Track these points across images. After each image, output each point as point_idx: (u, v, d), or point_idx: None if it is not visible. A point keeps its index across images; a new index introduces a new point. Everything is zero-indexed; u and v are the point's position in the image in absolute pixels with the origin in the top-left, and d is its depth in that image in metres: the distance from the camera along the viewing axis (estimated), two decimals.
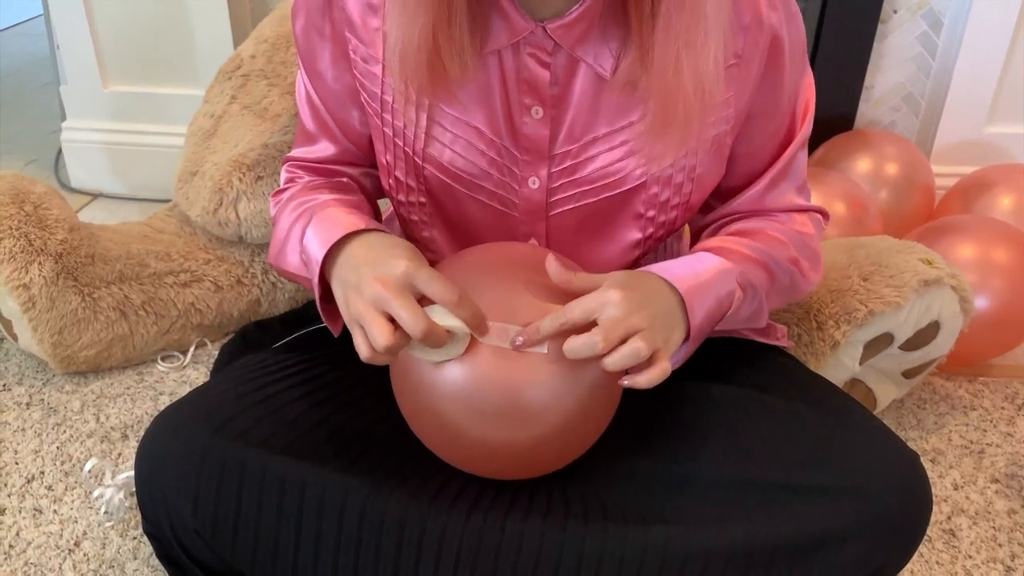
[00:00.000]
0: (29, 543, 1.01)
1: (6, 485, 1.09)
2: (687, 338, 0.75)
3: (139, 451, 0.76)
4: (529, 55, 0.75)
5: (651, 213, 0.81)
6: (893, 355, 1.13)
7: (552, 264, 0.69)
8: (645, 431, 0.80)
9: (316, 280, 0.76)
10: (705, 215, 0.89)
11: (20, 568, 0.98)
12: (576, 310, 0.67)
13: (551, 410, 0.69)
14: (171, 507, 0.74)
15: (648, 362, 0.68)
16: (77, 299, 1.22)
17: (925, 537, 0.92)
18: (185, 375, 1.30)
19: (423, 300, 0.68)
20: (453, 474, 0.76)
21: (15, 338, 1.26)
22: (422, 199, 0.84)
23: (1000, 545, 1.04)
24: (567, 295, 0.69)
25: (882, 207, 1.48)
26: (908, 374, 1.18)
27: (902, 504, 0.71)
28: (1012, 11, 1.53)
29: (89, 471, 1.09)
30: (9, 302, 1.20)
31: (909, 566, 0.99)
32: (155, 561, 0.96)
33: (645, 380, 0.68)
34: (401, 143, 0.81)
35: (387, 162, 0.83)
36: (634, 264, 0.85)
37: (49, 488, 1.09)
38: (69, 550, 1.00)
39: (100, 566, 0.98)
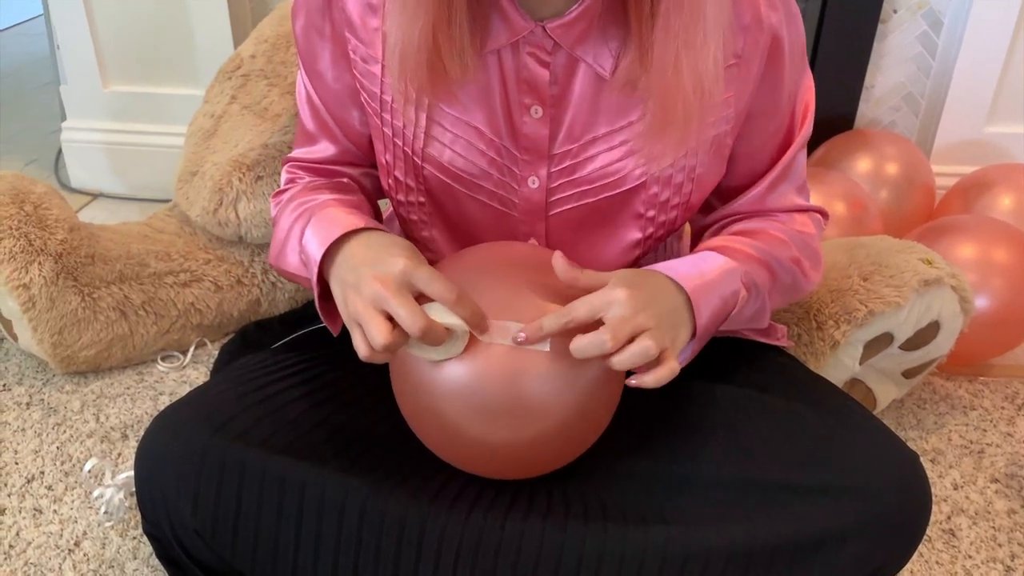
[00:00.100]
0: (29, 543, 1.01)
1: (6, 485, 1.09)
2: (692, 337, 0.74)
3: (139, 451, 0.76)
4: (529, 54, 0.75)
5: (651, 213, 0.81)
6: (893, 355, 1.13)
7: (559, 261, 0.68)
8: (645, 431, 0.80)
9: (315, 279, 0.76)
10: (706, 215, 0.89)
11: (20, 568, 0.98)
12: (581, 308, 0.67)
13: (551, 408, 0.69)
14: (171, 507, 0.74)
15: (655, 361, 0.68)
16: (77, 299, 1.22)
17: (925, 537, 0.92)
18: (185, 375, 1.30)
19: (422, 298, 0.68)
20: (453, 474, 0.76)
21: (15, 338, 1.26)
22: (421, 199, 0.84)
23: (1000, 545, 1.04)
24: (567, 295, 0.69)
25: (882, 207, 1.48)
26: (908, 374, 1.18)
27: (902, 504, 0.71)
28: (1012, 11, 1.53)
29: (89, 471, 1.09)
30: (9, 302, 1.20)
31: (909, 566, 0.99)
32: (155, 561, 0.96)
33: (653, 380, 0.67)
34: (400, 143, 0.81)
35: (387, 162, 0.83)
36: (634, 264, 0.85)
37: (49, 488, 1.09)
38: (69, 550, 1.00)
39: (100, 566, 0.98)
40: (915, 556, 0.99)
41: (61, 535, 1.02)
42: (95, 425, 1.19)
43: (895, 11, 1.59)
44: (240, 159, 1.29)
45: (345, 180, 0.87)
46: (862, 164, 1.53)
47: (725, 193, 0.86)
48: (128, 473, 1.02)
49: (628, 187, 0.79)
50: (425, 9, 0.69)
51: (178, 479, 0.73)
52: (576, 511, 0.73)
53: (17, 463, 1.13)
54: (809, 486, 0.71)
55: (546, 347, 0.68)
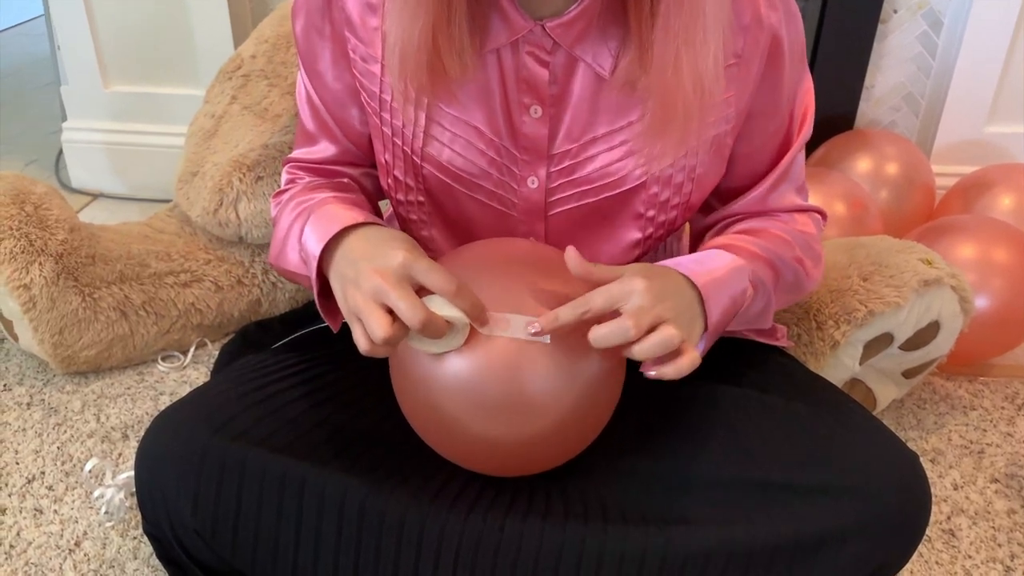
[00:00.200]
0: (30, 543, 1.01)
1: (7, 485, 1.09)
2: (703, 334, 0.74)
3: (139, 451, 0.76)
4: (528, 54, 0.75)
5: (651, 213, 0.81)
6: (893, 355, 1.13)
7: (572, 255, 0.67)
8: (645, 431, 0.80)
9: (314, 276, 0.76)
10: (706, 216, 0.89)
11: (21, 568, 0.98)
12: (599, 298, 0.66)
13: (551, 403, 0.68)
14: (171, 507, 0.74)
15: (674, 353, 0.67)
16: (77, 299, 1.22)
17: (925, 537, 0.92)
18: (185, 375, 1.30)
19: (422, 292, 0.68)
20: (453, 474, 0.76)
21: (16, 338, 1.26)
22: (421, 198, 0.84)
23: (1000, 545, 1.04)
24: (566, 290, 0.69)
25: (882, 207, 1.48)
26: (908, 374, 1.18)
27: (902, 504, 0.71)
28: (1012, 11, 1.53)
29: (89, 471, 1.09)
30: (10, 302, 1.20)
31: (909, 566, 0.99)
32: (155, 561, 0.96)
33: (674, 371, 0.67)
34: (400, 142, 0.81)
35: (386, 161, 0.83)
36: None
37: (50, 488, 1.09)
38: (69, 550, 1.00)
39: (100, 566, 0.98)
40: (915, 556, 0.99)
41: (62, 535, 1.02)
42: (96, 425, 1.19)
43: (895, 11, 1.59)
44: (240, 159, 1.29)
45: (345, 180, 0.88)
46: (862, 164, 1.53)
47: (725, 194, 0.86)
48: (128, 473, 1.02)
49: (628, 187, 0.79)
50: (425, 8, 0.69)
51: (178, 479, 0.73)
52: (576, 511, 0.73)
53: (18, 463, 1.13)
54: (809, 486, 0.71)
55: (546, 339, 0.68)
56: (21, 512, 1.05)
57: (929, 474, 0.98)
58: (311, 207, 0.80)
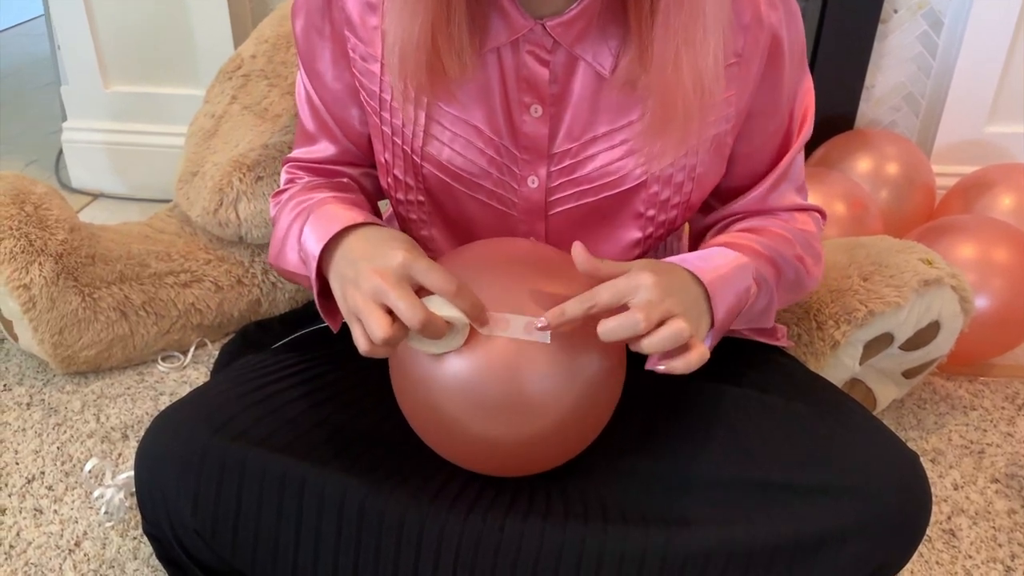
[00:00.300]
0: (29, 543, 1.01)
1: (6, 485, 1.09)
2: (709, 330, 0.74)
3: (139, 451, 0.76)
4: (528, 53, 0.75)
5: (651, 212, 0.81)
6: (893, 355, 1.13)
7: (579, 251, 0.67)
8: (645, 431, 0.80)
9: (314, 276, 0.76)
10: (706, 215, 0.89)
11: (20, 568, 0.98)
12: (605, 292, 0.65)
13: (551, 403, 0.68)
14: (171, 507, 0.74)
15: (683, 347, 0.67)
16: (77, 299, 1.22)
17: (925, 537, 0.92)
18: (185, 375, 1.30)
19: (422, 292, 0.68)
20: (453, 474, 0.76)
21: (16, 338, 1.26)
22: (421, 198, 0.84)
23: (1000, 545, 1.04)
24: (567, 290, 0.69)
25: (882, 207, 1.48)
26: (908, 374, 1.18)
27: (902, 504, 0.71)
28: (1012, 11, 1.53)
29: (89, 471, 1.09)
30: (10, 302, 1.20)
31: (909, 566, 0.99)
32: (155, 561, 0.96)
33: (683, 365, 0.66)
34: (400, 141, 0.81)
35: (386, 160, 0.83)
36: None
37: (49, 488, 1.09)
38: (69, 550, 1.00)
39: (100, 566, 0.98)
40: (915, 556, 0.99)
41: (61, 535, 1.02)
42: (95, 425, 1.19)
43: (895, 11, 1.59)
44: (240, 159, 1.29)
45: (345, 180, 0.87)
46: (862, 164, 1.53)
47: (725, 194, 0.86)
48: (128, 473, 1.02)
49: (628, 186, 0.79)
50: (424, 7, 0.69)
51: (178, 479, 0.73)
52: (576, 511, 0.73)
53: (18, 463, 1.13)
54: (809, 486, 0.71)
55: (547, 339, 0.68)
56: (21, 512, 1.05)
57: (929, 474, 0.98)
58: (310, 207, 0.80)
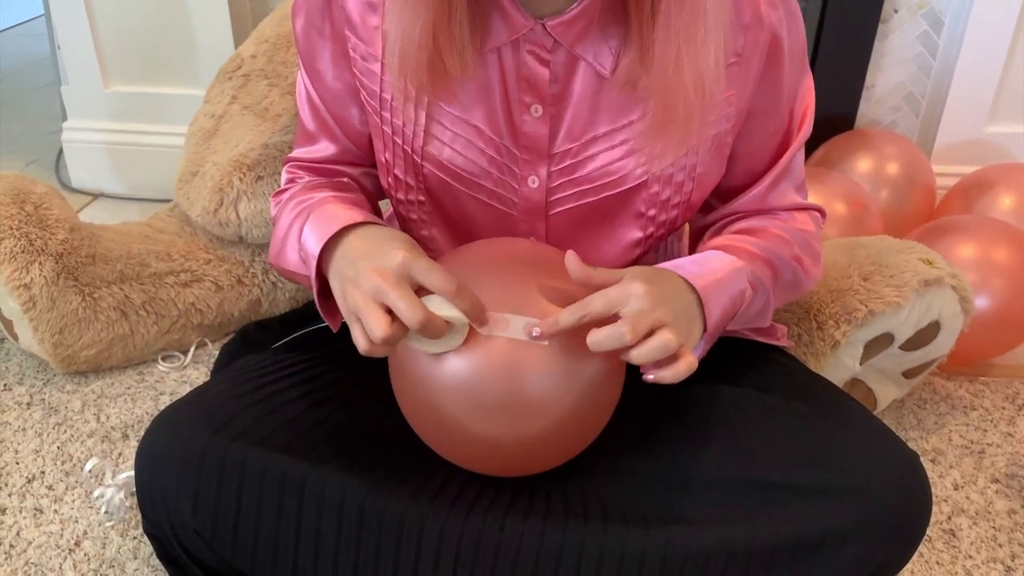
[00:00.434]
0: (30, 543, 1.01)
1: (7, 485, 1.09)
2: (702, 335, 0.74)
3: (139, 451, 0.76)
4: (529, 52, 0.75)
5: (652, 212, 0.81)
6: (893, 355, 1.13)
7: (572, 260, 0.68)
8: (645, 431, 0.80)
9: (313, 275, 0.76)
10: (706, 215, 0.89)
11: (21, 568, 0.98)
12: (598, 302, 0.66)
13: (550, 403, 0.68)
14: (171, 507, 0.74)
15: (672, 357, 0.68)
16: (78, 299, 1.22)
17: (925, 537, 0.92)
18: (186, 375, 1.30)
19: (421, 291, 0.68)
20: (453, 474, 0.76)
21: (16, 338, 1.26)
22: (421, 197, 0.84)
23: (1000, 545, 1.03)
24: (567, 290, 0.69)
25: (883, 207, 1.48)
26: (908, 374, 1.18)
27: (902, 504, 0.71)
28: (1013, 11, 1.53)
29: (89, 471, 1.09)
30: (10, 302, 1.20)
31: (909, 566, 0.99)
32: (155, 561, 0.96)
33: (671, 375, 0.67)
34: (400, 141, 0.81)
35: (386, 160, 0.83)
36: (634, 263, 0.85)
37: (50, 488, 1.09)
38: (70, 550, 1.00)
39: (100, 566, 0.98)
40: (915, 556, 0.99)
41: (62, 535, 1.02)
42: (96, 425, 1.19)
43: (896, 11, 1.59)
44: (241, 159, 1.29)
45: (345, 180, 0.87)
46: (863, 164, 1.53)
47: (724, 193, 0.86)
48: (128, 473, 1.02)
49: (629, 186, 0.79)
50: (425, 7, 0.69)
51: (178, 479, 0.73)
52: (576, 511, 0.73)
53: (18, 463, 1.13)
54: (809, 486, 0.71)
55: (545, 340, 0.68)
56: (21, 512, 1.05)
57: (929, 474, 0.98)
58: (311, 206, 0.80)
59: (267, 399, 0.78)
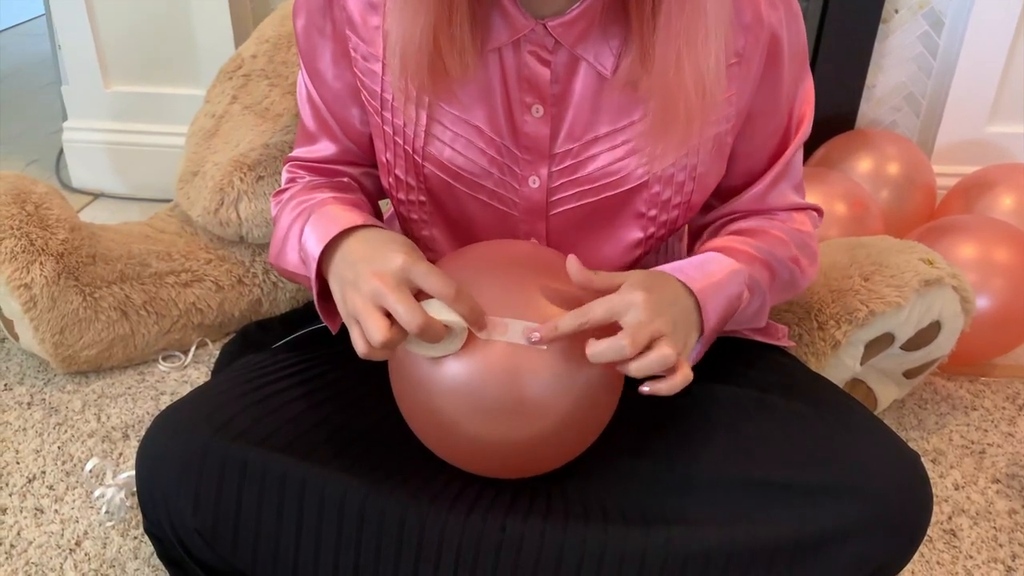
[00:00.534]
0: (30, 543, 1.01)
1: (7, 485, 1.09)
2: (698, 339, 0.75)
3: (140, 451, 0.76)
4: (530, 53, 0.75)
5: (652, 212, 0.81)
6: (894, 355, 1.13)
7: (573, 263, 0.68)
8: (646, 431, 0.80)
9: (313, 277, 0.76)
10: (705, 214, 0.89)
11: (21, 567, 0.98)
12: (598, 309, 0.66)
13: (550, 406, 0.68)
14: (172, 507, 0.74)
15: (669, 369, 0.68)
16: (78, 299, 1.22)
17: (926, 537, 0.92)
18: (186, 375, 1.30)
19: (420, 295, 0.68)
20: (454, 475, 0.76)
21: (16, 338, 1.26)
22: (422, 198, 0.84)
23: (1001, 545, 1.03)
24: (567, 293, 0.69)
25: (883, 207, 1.48)
26: (909, 374, 1.18)
27: (903, 504, 0.71)
28: (1013, 11, 1.53)
29: (90, 471, 1.09)
30: (10, 302, 1.20)
31: (910, 566, 0.99)
32: (156, 561, 0.96)
33: (667, 387, 0.68)
34: (401, 141, 0.81)
35: (387, 160, 0.83)
36: (635, 264, 0.85)
37: (50, 488, 1.09)
38: (70, 550, 1.00)
39: (101, 566, 0.98)
40: (916, 556, 0.99)
41: (62, 535, 1.02)
42: (96, 425, 1.19)
43: (896, 11, 1.59)
44: (241, 159, 1.29)
45: (346, 180, 0.88)
46: (863, 164, 1.53)
47: (723, 192, 0.86)
48: (129, 473, 1.03)
49: (630, 186, 0.79)
50: (426, 7, 0.69)
51: (179, 479, 0.73)
52: (576, 512, 0.73)
53: (18, 463, 1.13)
54: (810, 486, 0.71)
55: (544, 345, 0.68)
56: (22, 512, 1.05)
57: (930, 474, 0.98)
58: (311, 207, 0.80)
59: (268, 399, 0.78)
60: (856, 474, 0.71)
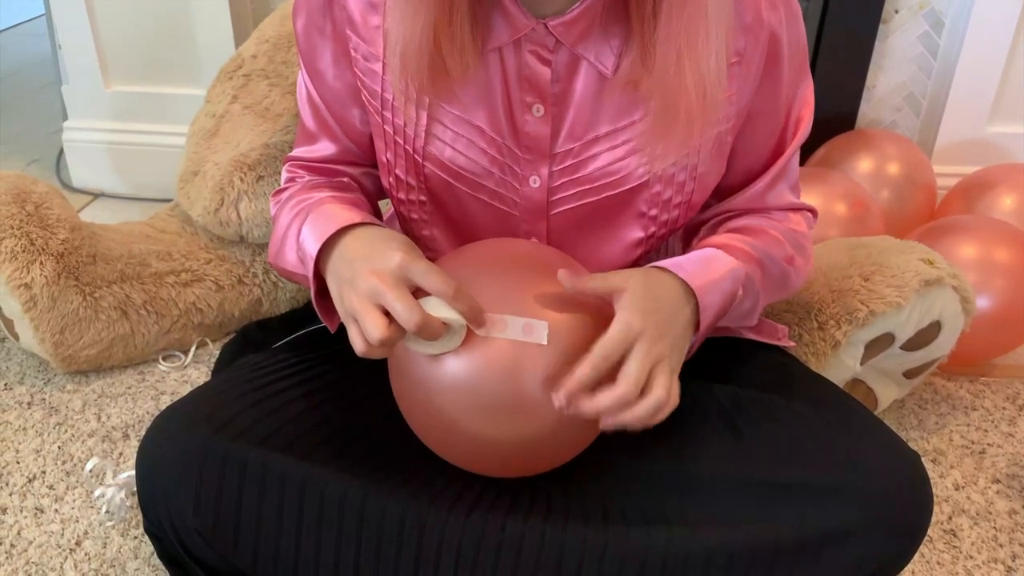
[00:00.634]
0: (30, 542, 1.01)
1: (7, 484, 1.09)
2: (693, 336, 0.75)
3: (140, 450, 0.76)
4: (530, 52, 0.75)
5: (653, 212, 0.81)
6: (894, 355, 1.13)
7: (563, 276, 0.68)
8: (646, 431, 0.80)
9: (311, 275, 0.76)
10: (703, 212, 0.89)
11: (21, 567, 0.98)
12: (612, 352, 0.66)
13: (550, 403, 0.68)
14: (172, 506, 0.74)
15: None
16: (78, 298, 1.22)
17: (926, 537, 0.92)
18: (186, 375, 1.30)
19: (419, 292, 0.68)
20: (454, 475, 0.76)
21: (16, 337, 1.26)
22: (422, 197, 0.84)
23: (1001, 545, 1.03)
24: (567, 293, 0.69)
25: (883, 207, 1.48)
26: (909, 374, 1.18)
27: (903, 504, 0.71)
28: (1014, 11, 1.53)
29: (90, 470, 1.09)
30: (11, 301, 1.20)
31: (910, 566, 0.99)
32: (156, 560, 0.96)
33: (644, 411, 0.68)
34: (402, 141, 0.81)
35: (387, 160, 0.83)
36: (636, 263, 0.85)
37: (50, 487, 1.09)
38: (70, 549, 1.00)
39: (101, 565, 0.98)
40: (916, 556, 0.99)
41: (62, 534, 1.02)
42: (96, 424, 1.19)
43: (896, 11, 1.59)
44: (241, 159, 1.29)
45: (345, 180, 0.87)
46: (863, 164, 1.53)
47: (721, 191, 0.86)
48: (129, 472, 1.03)
49: (630, 186, 0.79)
50: (426, 7, 0.69)
51: (179, 478, 0.73)
52: (576, 512, 0.73)
53: (18, 462, 1.13)
54: (810, 486, 0.71)
55: (544, 340, 0.68)
56: (22, 511, 1.05)
57: (930, 474, 0.98)
58: (309, 206, 0.80)
59: (268, 399, 0.78)
60: (856, 474, 0.71)
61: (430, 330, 0.65)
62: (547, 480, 0.76)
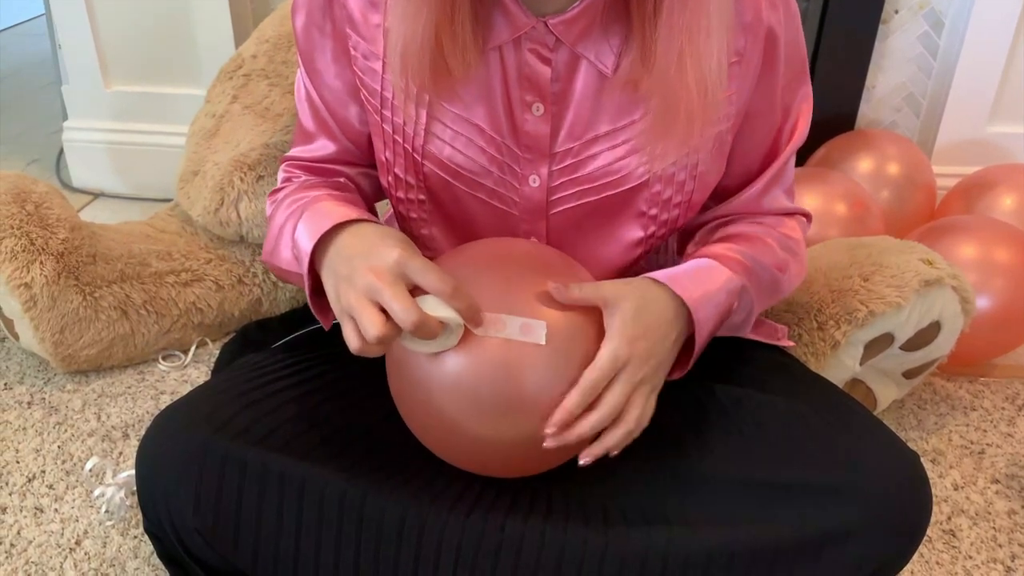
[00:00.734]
0: (30, 542, 1.01)
1: (7, 484, 1.09)
2: (691, 351, 0.76)
3: (140, 450, 0.76)
4: (530, 51, 0.75)
5: (653, 211, 0.81)
6: (894, 355, 1.13)
7: (553, 288, 0.69)
8: (646, 431, 0.80)
9: (306, 272, 0.76)
10: (700, 215, 0.89)
11: (21, 567, 0.98)
12: (600, 379, 0.69)
13: (548, 402, 0.68)
14: (172, 506, 0.74)
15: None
16: (78, 298, 1.22)
17: (925, 537, 0.92)
18: (186, 374, 1.30)
19: (416, 290, 0.68)
20: (454, 475, 0.76)
21: (16, 337, 1.26)
22: (421, 196, 0.84)
23: (1000, 546, 1.03)
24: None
25: (883, 207, 1.48)
26: (909, 374, 1.18)
27: (902, 504, 0.71)
28: (1014, 11, 1.53)
29: (90, 470, 1.09)
30: (11, 301, 1.20)
31: (909, 566, 0.99)
32: (156, 560, 0.96)
33: (614, 441, 0.71)
34: (401, 140, 0.81)
35: (386, 159, 0.83)
36: (635, 262, 0.85)
37: (50, 487, 1.09)
38: (70, 549, 1.00)
39: (101, 565, 0.98)
40: (915, 556, 0.99)
41: (62, 534, 1.02)
42: (96, 424, 1.19)
43: (896, 11, 1.59)
44: (241, 159, 1.29)
45: (342, 180, 0.87)
46: (863, 164, 1.53)
47: (718, 193, 0.86)
48: (129, 472, 1.03)
49: (630, 185, 0.79)
50: (428, 6, 0.69)
51: (179, 478, 0.73)
52: (577, 512, 0.73)
53: (18, 462, 1.13)
54: (810, 486, 0.71)
55: (542, 340, 0.68)
56: (22, 511, 1.05)
57: (929, 474, 0.98)
58: (305, 204, 0.80)
59: (268, 399, 0.78)
60: (856, 474, 0.71)
61: (427, 329, 0.65)
62: (547, 480, 0.76)
